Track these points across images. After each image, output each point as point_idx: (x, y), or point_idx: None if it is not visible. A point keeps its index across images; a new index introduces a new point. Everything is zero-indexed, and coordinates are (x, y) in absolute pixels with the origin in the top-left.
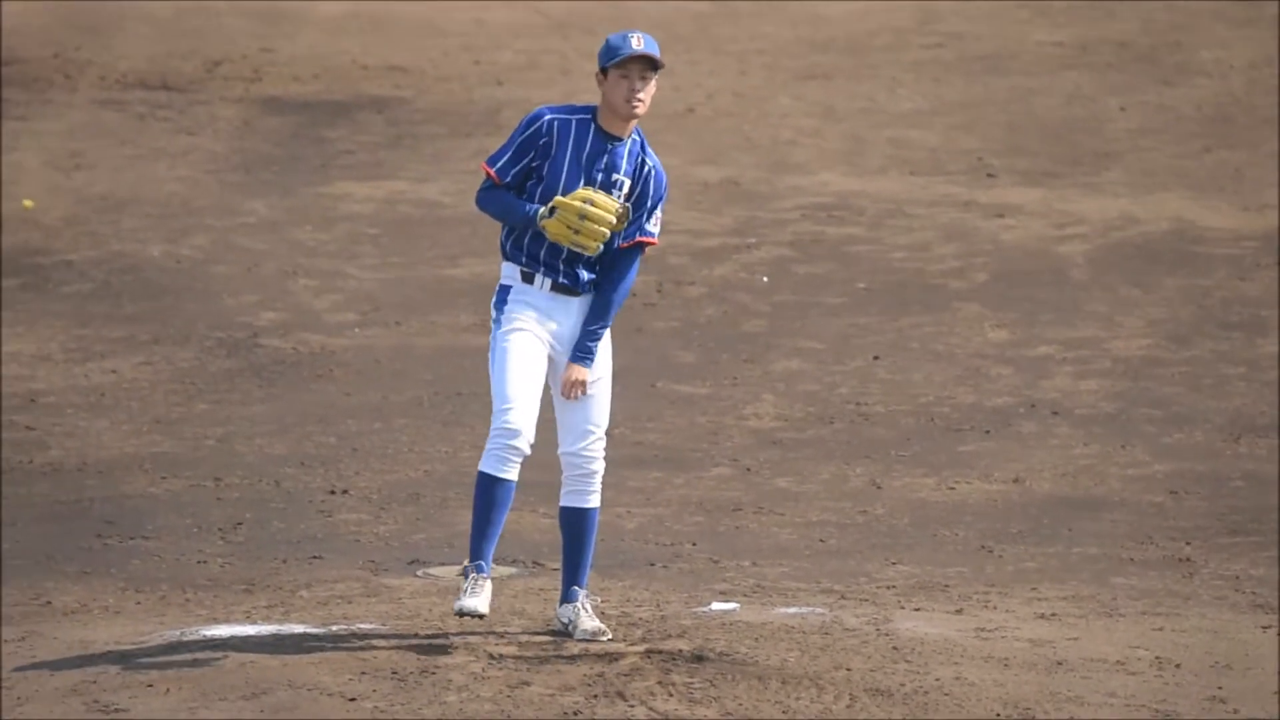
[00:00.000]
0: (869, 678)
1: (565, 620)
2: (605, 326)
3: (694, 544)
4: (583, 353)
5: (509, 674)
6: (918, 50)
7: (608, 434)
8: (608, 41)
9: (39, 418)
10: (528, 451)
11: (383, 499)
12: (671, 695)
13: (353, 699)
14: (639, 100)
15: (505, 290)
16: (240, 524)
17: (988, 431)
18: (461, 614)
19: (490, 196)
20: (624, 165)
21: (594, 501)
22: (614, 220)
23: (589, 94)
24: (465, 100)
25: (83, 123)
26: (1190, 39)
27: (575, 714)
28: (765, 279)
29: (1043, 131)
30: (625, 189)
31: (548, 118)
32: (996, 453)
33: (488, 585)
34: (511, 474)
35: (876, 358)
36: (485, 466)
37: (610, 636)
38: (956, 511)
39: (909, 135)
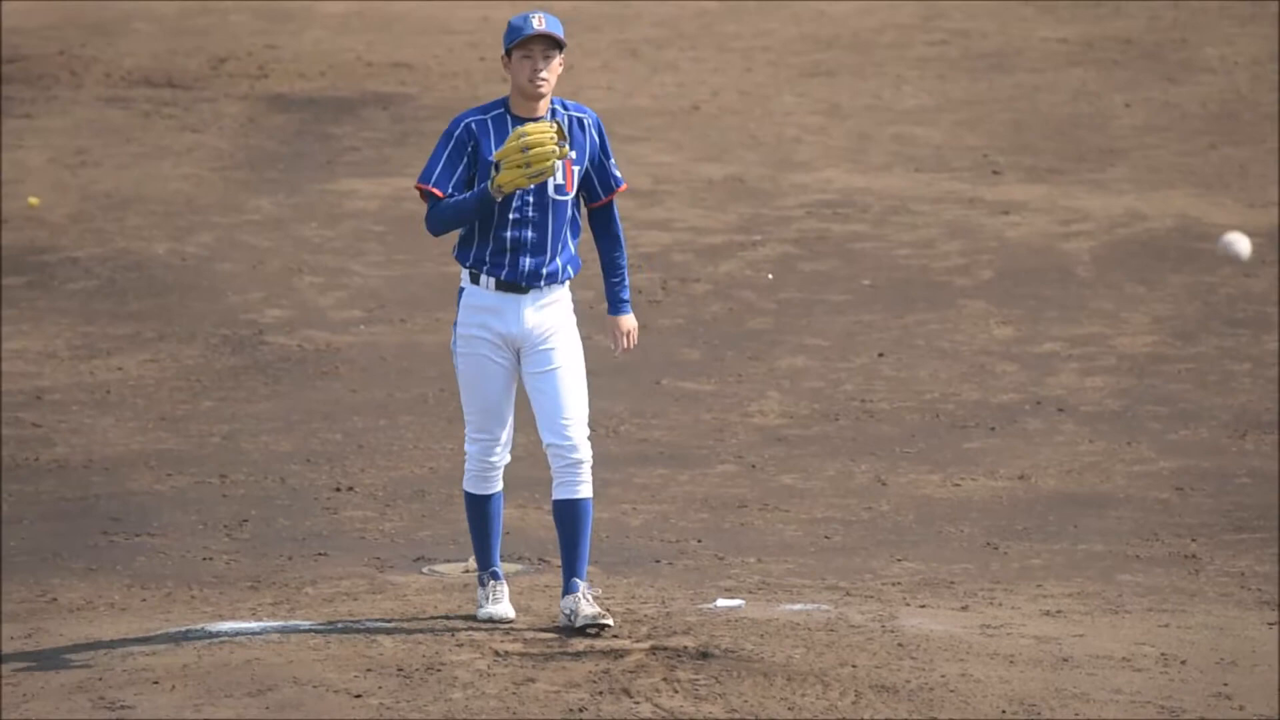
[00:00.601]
0: (874, 674)
1: (567, 611)
2: (624, 276)
3: (699, 541)
4: (621, 303)
5: (514, 671)
6: (922, 47)
7: (615, 430)
8: (510, 23)
9: (45, 415)
10: (507, 460)
11: (388, 496)
12: (677, 692)
13: (358, 696)
14: (542, 80)
15: (460, 293)
16: (246, 521)
17: (993, 428)
18: (490, 620)
19: (439, 210)
20: None
21: (585, 492)
22: (553, 134)
23: (592, 90)
24: (470, 97)
25: (88, 120)
26: (1195, 36)
27: (580, 711)
28: (770, 276)
29: (1048, 128)
30: (559, 162)
31: (465, 122)
32: (1002, 449)
33: (505, 589)
34: (495, 487)
35: (881, 355)
36: (468, 486)
37: (611, 621)
38: (962, 508)
39: (914, 132)
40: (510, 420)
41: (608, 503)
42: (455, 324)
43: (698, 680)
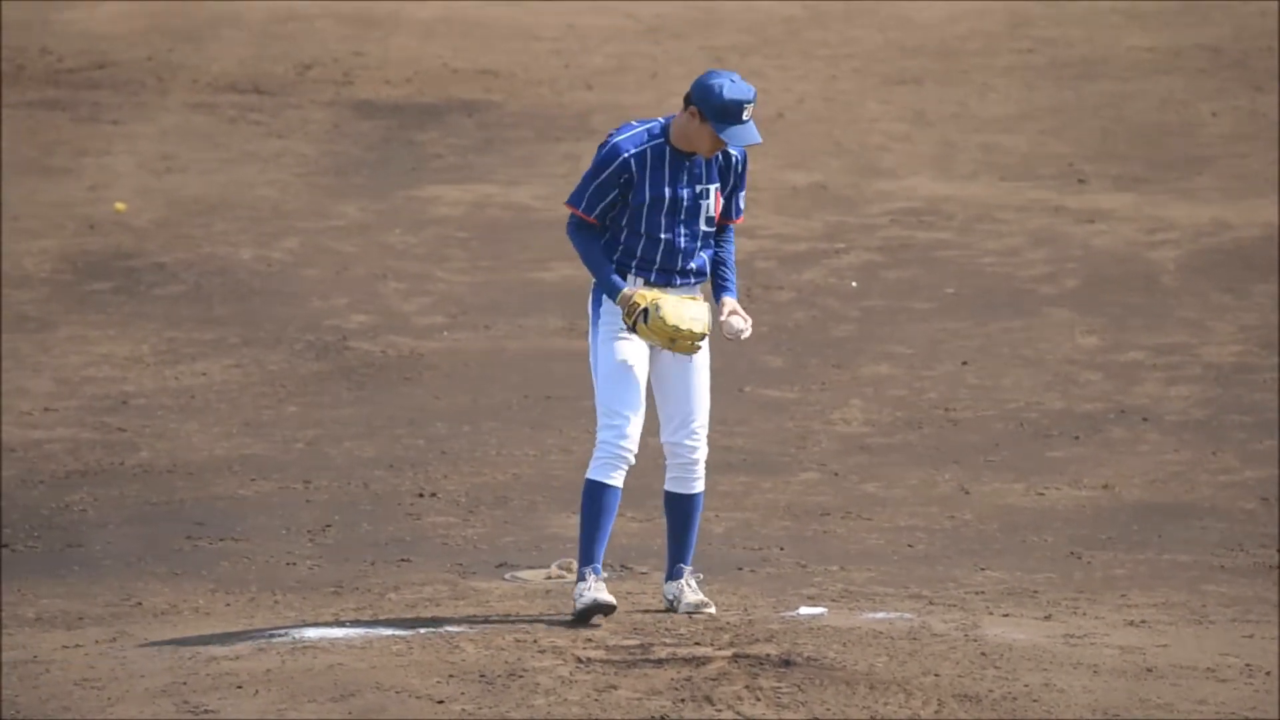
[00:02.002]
0: (957, 683)
1: (670, 597)
2: (733, 274)
3: (782, 548)
4: (728, 287)
5: (596, 677)
6: (1009, 55)
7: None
8: (720, 99)
9: (130, 419)
10: (634, 460)
11: (471, 502)
12: (759, 700)
13: (440, 701)
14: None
15: (600, 289)
16: (329, 526)
17: (1077, 437)
18: (590, 610)
19: (582, 239)
20: (705, 172)
21: (699, 487)
22: (697, 345)
23: (677, 99)
24: (555, 104)
25: (175, 126)
26: None
27: (662, 718)
28: (854, 284)
29: (1134, 137)
30: (713, 194)
31: (624, 156)
32: (1086, 458)
33: (604, 584)
34: (619, 480)
35: (965, 363)
36: (594, 474)
37: (714, 609)
38: (1045, 517)
39: (999, 140)
40: (643, 407)
41: None
42: (596, 317)
43: (780, 688)
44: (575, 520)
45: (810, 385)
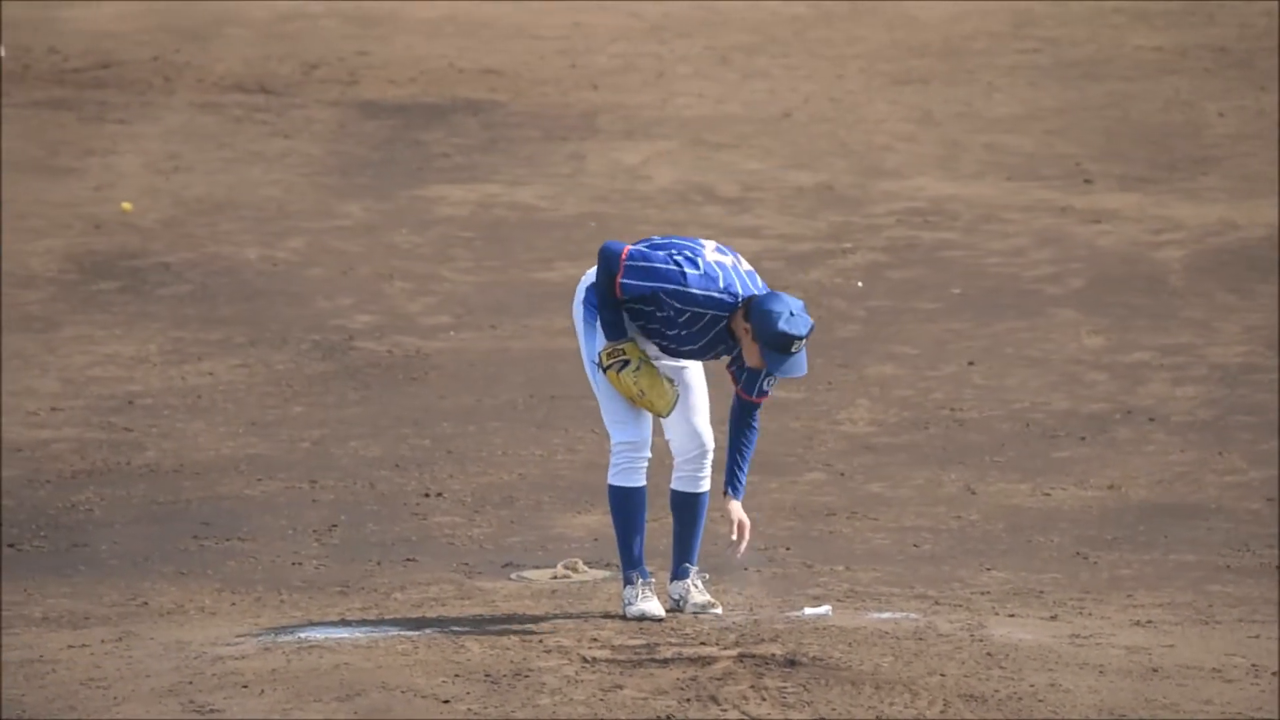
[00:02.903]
0: (963, 683)
1: (676, 596)
2: (747, 461)
3: (787, 548)
4: (736, 485)
5: (602, 677)
6: (1014, 55)
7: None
8: (775, 333)
9: (136, 419)
10: (650, 455)
11: (476, 502)
12: (764, 700)
13: (446, 701)
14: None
15: (592, 290)
16: (335, 526)
17: (1083, 438)
18: (642, 617)
19: (602, 304)
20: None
21: (705, 486)
22: (669, 404)
23: (683, 98)
24: (560, 104)
25: (180, 126)
26: None
27: (668, 718)
28: (859, 284)
29: (1140, 137)
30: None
31: (698, 307)
32: (1092, 459)
33: (653, 589)
34: (642, 480)
35: (971, 363)
36: (615, 480)
37: (720, 609)
38: (1051, 518)
39: (1005, 140)
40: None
41: None
42: (590, 319)
43: (785, 688)
44: (581, 520)
45: (816, 385)
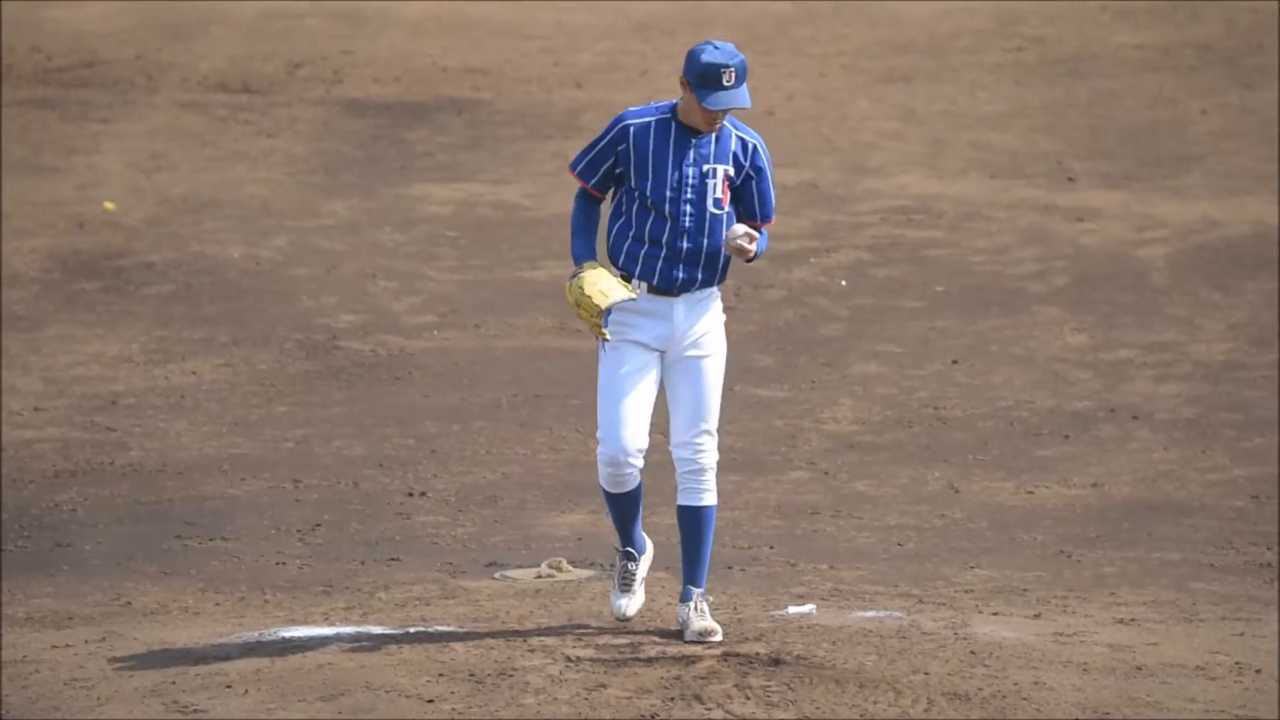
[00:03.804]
0: (947, 682)
1: (681, 620)
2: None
3: (771, 547)
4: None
5: (586, 676)
6: (999, 53)
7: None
8: (701, 65)
9: (119, 419)
10: (640, 463)
11: (460, 501)
12: (748, 698)
13: (430, 701)
14: (718, 124)
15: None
16: (319, 526)
17: (1067, 436)
18: (622, 617)
19: (576, 207)
20: (714, 152)
21: (709, 499)
22: (598, 317)
23: (668, 95)
24: (545, 102)
25: (164, 125)
26: (1272, 41)
27: (652, 717)
28: (844, 282)
29: (1123, 134)
30: (720, 175)
31: (625, 123)
32: (1075, 457)
33: (640, 571)
34: (630, 486)
35: (955, 361)
36: (604, 484)
37: (721, 637)
38: (1035, 516)
39: (989, 138)
40: (646, 428)
41: None
42: (605, 323)
43: (769, 687)
44: (565, 519)
45: (800, 384)
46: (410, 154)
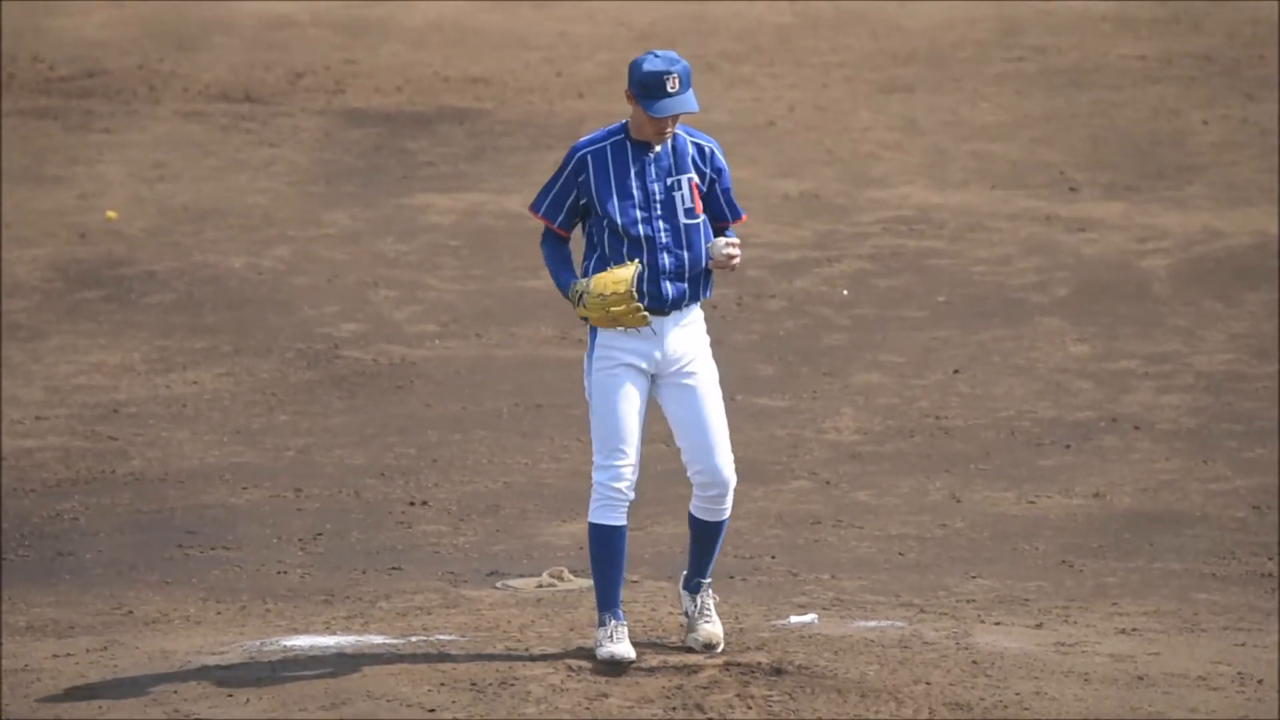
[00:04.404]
0: (948, 692)
1: (686, 612)
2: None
3: (773, 557)
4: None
5: (588, 686)
6: (1000, 63)
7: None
8: (642, 74)
9: (121, 428)
10: (633, 495)
11: (462, 510)
12: (750, 708)
13: (432, 710)
14: (668, 133)
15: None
16: (320, 535)
17: (1068, 446)
18: (610, 660)
19: (546, 249)
20: (673, 164)
21: (724, 516)
22: (634, 307)
23: None
24: (547, 112)
25: (166, 134)
26: (1273, 52)
27: None
28: (845, 292)
29: (1125, 145)
30: (686, 185)
31: (581, 152)
32: (1077, 467)
33: (625, 631)
34: (622, 519)
35: (957, 371)
36: (595, 517)
37: (722, 646)
38: (1037, 526)
39: (991, 148)
40: (639, 446)
41: (681, 518)
42: (592, 346)
43: (771, 696)
44: (566, 528)
45: (801, 394)
46: (412, 164)
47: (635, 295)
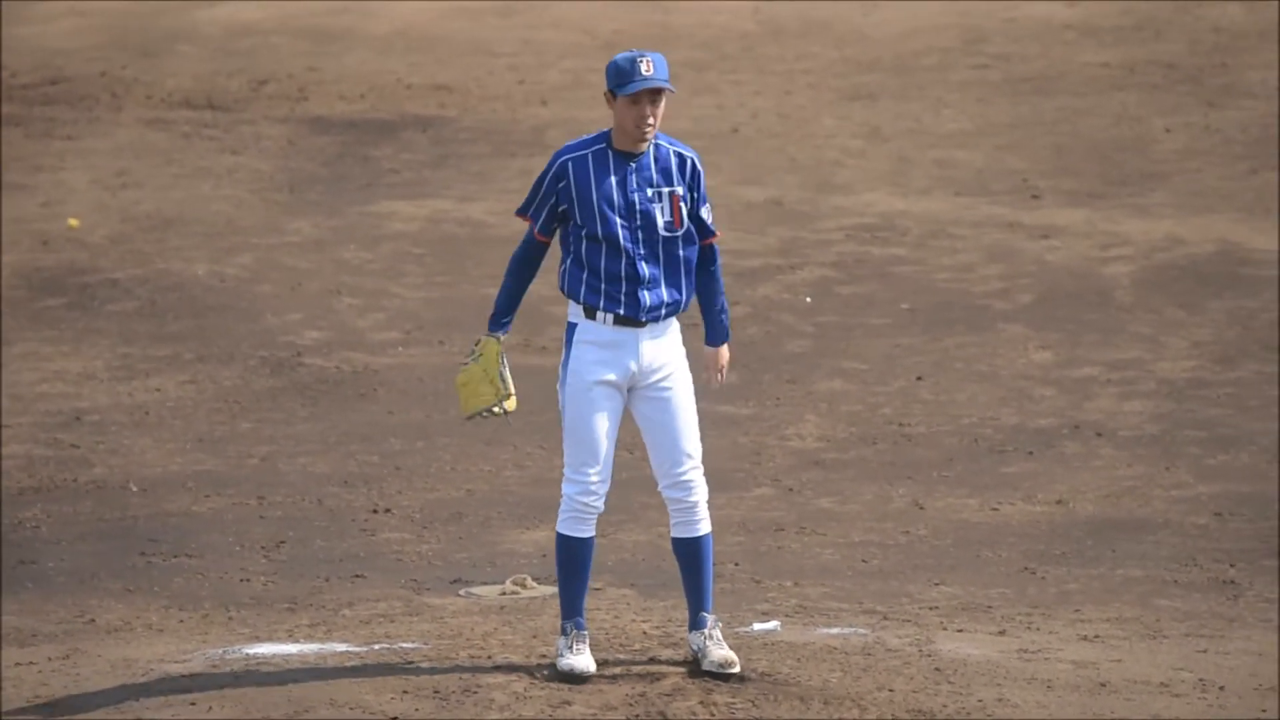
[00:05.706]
0: (911, 699)
1: (695, 648)
2: (725, 309)
3: (736, 564)
4: (720, 334)
5: (551, 693)
6: (964, 70)
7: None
8: (616, 65)
9: (83, 436)
10: (603, 508)
11: (425, 518)
12: (714, 715)
13: (395, 718)
14: (650, 126)
15: (572, 328)
16: (283, 543)
17: (1031, 452)
18: (570, 673)
19: (517, 253)
20: (655, 175)
21: (704, 529)
22: (494, 401)
23: None
24: (510, 120)
25: (129, 142)
26: (1237, 60)
27: None
28: (808, 299)
29: (1088, 152)
30: (668, 197)
31: (564, 158)
32: (1040, 474)
33: (586, 642)
34: (590, 530)
35: (920, 378)
36: (564, 528)
37: (738, 668)
38: (999, 532)
39: (954, 156)
40: (610, 460)
41: (645, 525)
42: (566, 359)
43: (734, 703)
44: (529, 536)
45: (765, 401)
46: (376, 171)
47: (484, 417)
